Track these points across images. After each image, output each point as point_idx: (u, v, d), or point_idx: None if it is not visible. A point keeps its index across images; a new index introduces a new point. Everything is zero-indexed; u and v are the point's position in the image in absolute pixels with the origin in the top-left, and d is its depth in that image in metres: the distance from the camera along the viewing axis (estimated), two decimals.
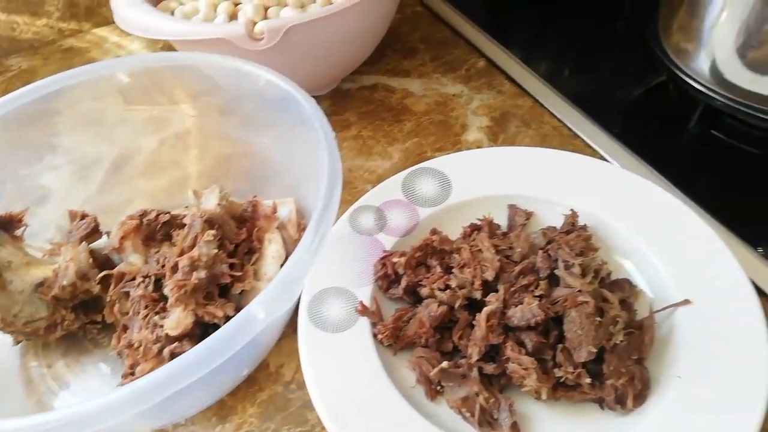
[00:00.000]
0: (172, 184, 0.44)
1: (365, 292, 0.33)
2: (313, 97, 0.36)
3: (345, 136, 0.48)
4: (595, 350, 0.28)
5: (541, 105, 0.48)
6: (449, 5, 0.58)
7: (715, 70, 0.38)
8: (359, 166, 0.45)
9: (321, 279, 0.34)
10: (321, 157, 0.32)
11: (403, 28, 0.59)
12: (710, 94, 0.39)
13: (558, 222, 0.36)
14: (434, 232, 0.36)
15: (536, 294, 0.30)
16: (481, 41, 0.54)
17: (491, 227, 0.35)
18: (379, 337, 0.31)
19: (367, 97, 0.51)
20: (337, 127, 0.49)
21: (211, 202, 0.35)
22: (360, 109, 0.50)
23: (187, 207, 0.37)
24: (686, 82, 0.41)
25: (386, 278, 0.34)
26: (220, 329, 0.24)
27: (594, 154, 0.44)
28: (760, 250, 0.35)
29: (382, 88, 0.52)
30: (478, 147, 0.45)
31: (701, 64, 0.39)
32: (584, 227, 0.35)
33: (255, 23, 0.40)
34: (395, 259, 0.34)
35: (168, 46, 0.56)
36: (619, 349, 0.29)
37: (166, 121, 0.45)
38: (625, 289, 0.32)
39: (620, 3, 0.50)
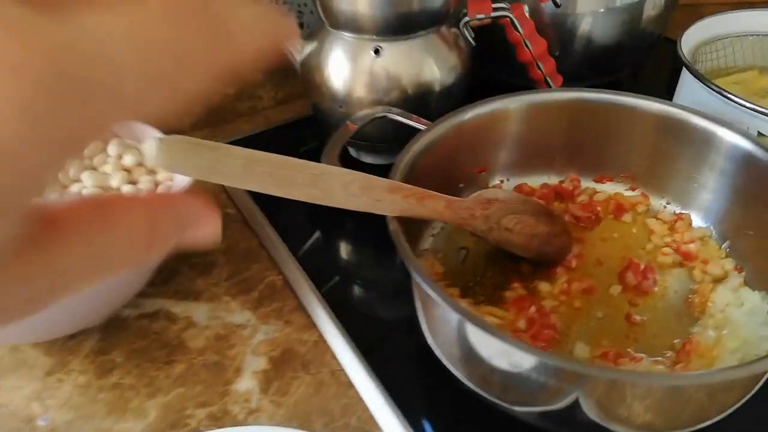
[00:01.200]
0: None
1: None
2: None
3: (104, 385, 0.42)
4: None
5: (326, 342, 0.45)
6: (262, 213, 0.56)
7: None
8: (107, 429, 0.40)
9: None
10: None
11: None
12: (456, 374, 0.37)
13: None
14: None
15: None
16: (280, 256, 0.51)
17: None
18: None
19: (144, 329, 0.46)
20: (98, 371, 0.43)
21: None
22: (132, 345, 0.45)
23: None
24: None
25: None
26: None
27: (366, 409, 0.40)
28: None
29: (163, 316, 0.47)
30: (246, 400, 0.41)
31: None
32: None
33: None
34: None
35: None
36: None
37: None
38: None
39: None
